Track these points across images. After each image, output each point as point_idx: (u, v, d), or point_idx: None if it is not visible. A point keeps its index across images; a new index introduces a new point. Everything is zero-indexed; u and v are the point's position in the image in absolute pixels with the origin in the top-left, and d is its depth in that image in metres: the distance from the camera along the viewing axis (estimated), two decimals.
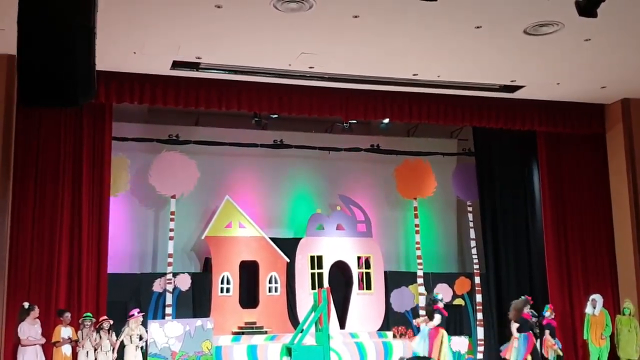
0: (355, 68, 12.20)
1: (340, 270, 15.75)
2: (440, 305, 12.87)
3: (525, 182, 15.88)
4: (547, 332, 13.36)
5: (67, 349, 10.49)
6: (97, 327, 10.75)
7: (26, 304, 10.54)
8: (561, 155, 14.86)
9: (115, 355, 10.82)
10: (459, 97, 13.64)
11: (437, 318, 12.59)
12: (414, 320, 13.96)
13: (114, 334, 10.74)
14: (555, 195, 14.70)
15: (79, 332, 10.53)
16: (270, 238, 15.19)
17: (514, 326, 12.71)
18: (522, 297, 13.26)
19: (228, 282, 14.70)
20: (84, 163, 11.89)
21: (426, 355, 11.98)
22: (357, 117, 14.28)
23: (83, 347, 10.46)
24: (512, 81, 13.06)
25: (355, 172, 16.80)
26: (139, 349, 10.87)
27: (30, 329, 10.23)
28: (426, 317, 12.93)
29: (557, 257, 14.44)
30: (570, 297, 14.36)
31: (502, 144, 16.24)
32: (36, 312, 10.48)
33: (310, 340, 13.04)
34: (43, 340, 10.35)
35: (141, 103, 12.41)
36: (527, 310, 12.94)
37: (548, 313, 13.50)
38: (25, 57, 4.66)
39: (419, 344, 12.50)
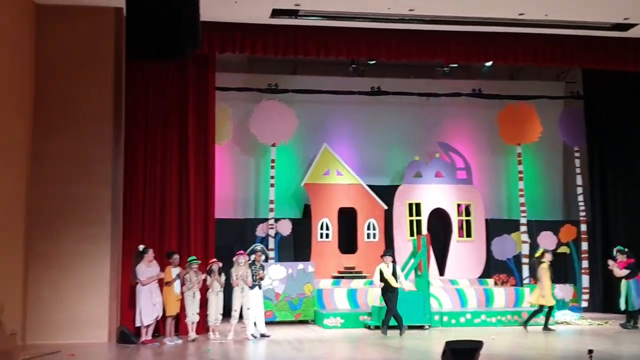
0: (456, 9, 11.82)
1: (439, 217, 15.67)
2: None
3: (637, 126, 15.02)
4: None
5: (177, 288, 10.97)
6: (207, 269, 11.15)
7: (141, 247, 10.91)
8: None
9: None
10: (568, 37, 12.96)
11: None
12: None
13: (223, 275, 11.11)
14: None
15: (186, 274, 10.92)
16: (368, 185, 15.27)
17: None
18: None
19: (327, 228, 14.98)
20: (190, 113, 12.21)
21: None
22: (458, 61, 13.91)
23: (190, 288, 10.88)
24: (625, 19, 12.28)
25: (455, 118, 16.46)
26: (245, 289, 11.10)
27: (146, 271, 10.70)
28: None
29: None
30: None
31: (613, 86, 15.38)
32: (150, 254, 10.81)
33: (409, 286, 13.13)
34: (161, 275, 10.72)
35: (242, 52, 12.59)
36: None
37: None
38: (133, 10, 4.85)
39: None
